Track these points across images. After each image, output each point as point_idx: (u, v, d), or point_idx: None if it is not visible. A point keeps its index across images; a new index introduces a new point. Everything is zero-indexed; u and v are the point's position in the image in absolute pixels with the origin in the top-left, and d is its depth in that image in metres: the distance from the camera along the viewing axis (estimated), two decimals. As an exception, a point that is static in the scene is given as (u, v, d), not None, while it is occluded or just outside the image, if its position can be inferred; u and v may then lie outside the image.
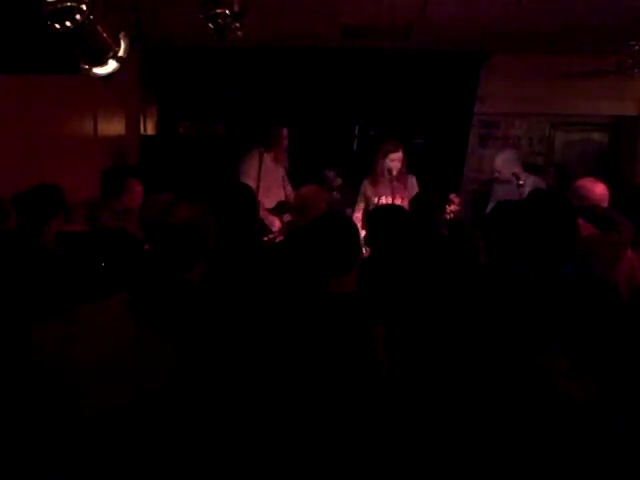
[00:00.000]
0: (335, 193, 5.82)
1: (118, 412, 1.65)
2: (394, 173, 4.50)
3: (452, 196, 4.46)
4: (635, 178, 6.73)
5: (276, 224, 4.50)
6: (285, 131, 5.11)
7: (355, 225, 2.35)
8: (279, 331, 2.04)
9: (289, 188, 5.08)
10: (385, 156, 4.54)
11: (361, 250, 2.38)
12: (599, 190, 3.50)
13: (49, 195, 3.17)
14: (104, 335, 1.76)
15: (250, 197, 2.97)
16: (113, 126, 6.20)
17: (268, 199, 4.71)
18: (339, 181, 6.02)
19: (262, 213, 4.76)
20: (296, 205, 3.60)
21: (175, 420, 1.68)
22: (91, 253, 1.86)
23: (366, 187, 4.71)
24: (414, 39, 5.69)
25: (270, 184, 4.88)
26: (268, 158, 4.97)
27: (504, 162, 4.87)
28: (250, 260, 2.69)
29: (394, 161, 4.52)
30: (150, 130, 6.81)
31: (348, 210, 4.80)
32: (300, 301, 2.14)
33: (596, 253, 2.83)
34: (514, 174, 4.70)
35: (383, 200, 4.57)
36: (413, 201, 3.62)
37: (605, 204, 3.47)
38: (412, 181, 4.67)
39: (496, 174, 4.94)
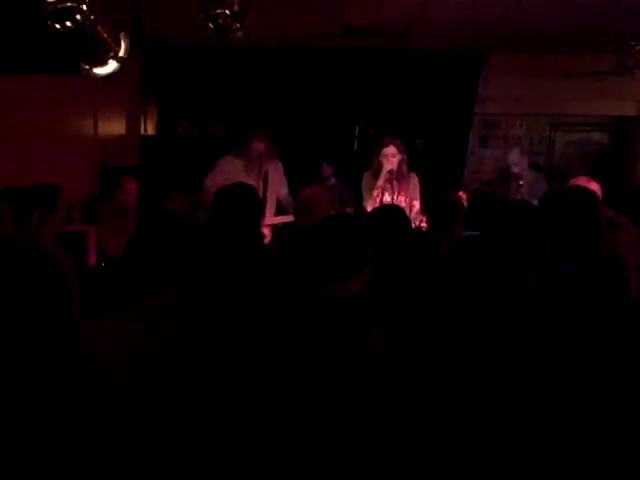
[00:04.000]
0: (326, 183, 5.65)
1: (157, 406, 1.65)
2: (388, 168, 4.38)
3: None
4: (635, 178, 6.73)
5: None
6: (259, 145, 4.39)
7: (362, 227, 2.29)
8: (281, 332, 2.04)
9: (283, 192, 4.71)
10: (379, 152, 4.46)
11: (367, 252, 2.30)
12: (592, 189, 3.53)
13: (45, 194, 3.15)
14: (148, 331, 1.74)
15: (255, 198, 2.93)
16: (113, 126, 6.21)
17: None
18: (333, 181, 5.97)
19: None
20: (299, 207, 3.53)
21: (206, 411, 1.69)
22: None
23: (367, 182, 4.55)
24: (415, 39, 5.69)
25: None
26: (240, 162, 4.55)
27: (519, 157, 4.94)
28: (254, 261, 2.68)
29: (387, 156, 4.35)
30: (150, 130, 6.80)
31: (348, 209, 4.72)
32: (303, 304, 2.13)
33: (621, 253, 2.83)
34: (515, 174, 4.71)
35: (383, 197, 4.47)
36: (428, 201, 3.49)
37: None
38: (414, 180, 4.53)
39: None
